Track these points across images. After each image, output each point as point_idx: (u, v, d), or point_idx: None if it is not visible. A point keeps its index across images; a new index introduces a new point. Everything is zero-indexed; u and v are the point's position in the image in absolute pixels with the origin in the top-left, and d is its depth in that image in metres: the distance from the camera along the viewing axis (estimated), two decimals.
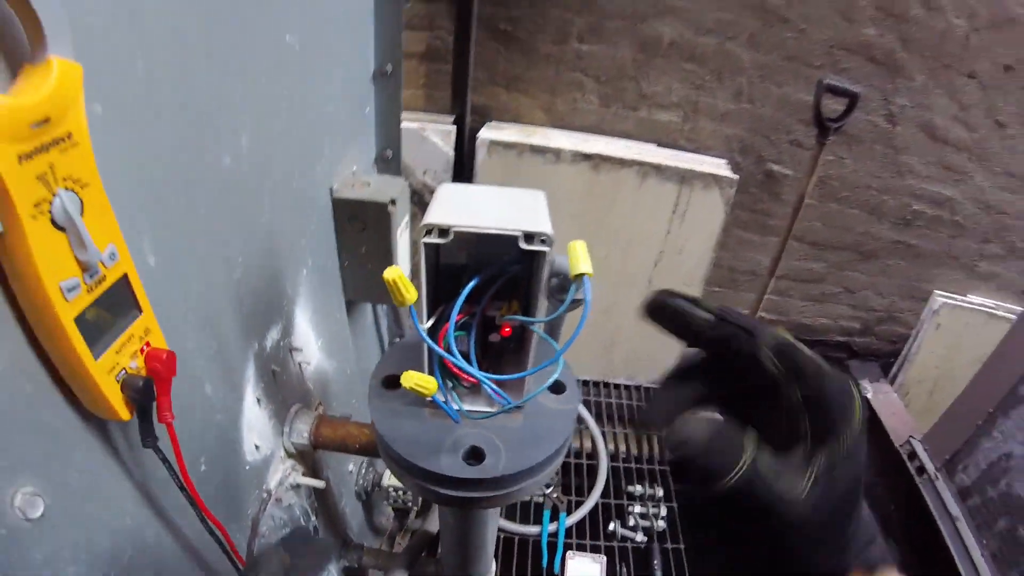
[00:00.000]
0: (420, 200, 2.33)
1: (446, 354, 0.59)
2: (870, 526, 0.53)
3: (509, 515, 2.12)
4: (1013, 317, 2.48)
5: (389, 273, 0.52)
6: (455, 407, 0.65)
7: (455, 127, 2.36)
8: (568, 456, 2.32)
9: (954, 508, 2.44)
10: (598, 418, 2.58)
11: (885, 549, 0.54)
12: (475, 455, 0.64)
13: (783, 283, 3.00)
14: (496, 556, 1.87)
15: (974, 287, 3.10)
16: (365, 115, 1.37)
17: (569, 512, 2.14)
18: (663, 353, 2.63)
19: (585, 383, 2.69)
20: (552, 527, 2.08)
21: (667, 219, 2.41)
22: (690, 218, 2.41)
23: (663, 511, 2.20)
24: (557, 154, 2.28)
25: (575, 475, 2.32)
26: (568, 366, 0.76)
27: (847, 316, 3.18)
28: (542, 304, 0.65)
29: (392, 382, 0.69)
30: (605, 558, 2.05)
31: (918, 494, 2.58)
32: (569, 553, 2.03)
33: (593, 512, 2.19)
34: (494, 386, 0.61)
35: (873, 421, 3.00)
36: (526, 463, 0.63)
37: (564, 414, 0.72)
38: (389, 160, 1.53)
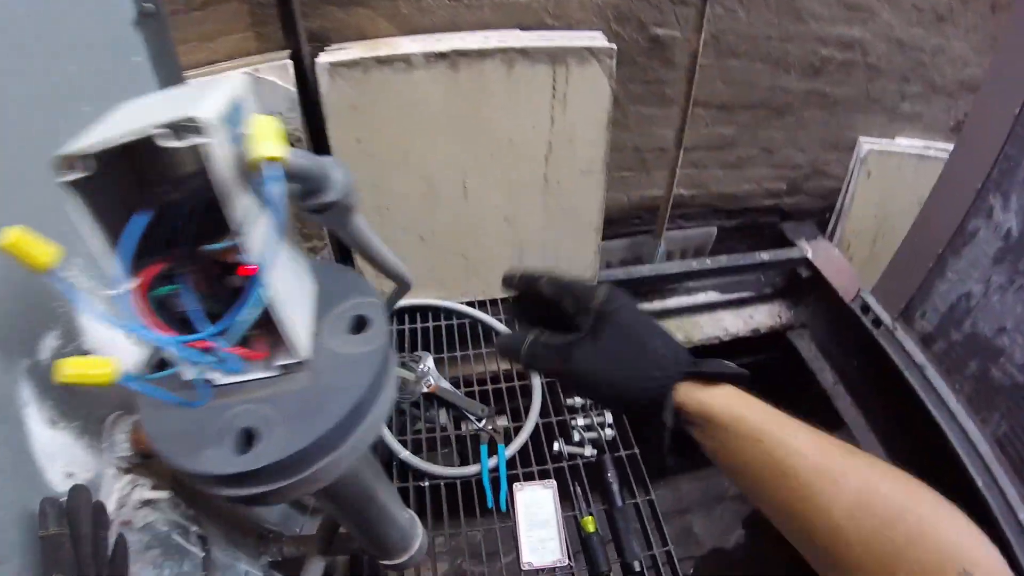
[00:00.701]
0: None
1: (121, 324, 0.49)
2: (681, 351, 0.71)
3: (447, 461, 1.96)
4: (945, 155, 2.35)
5: (5, 238, 0.42)
6: (205, 381, 0.56)
7: (291, 60, 2.06)
8: (498, 381, 2.13)
9: (919, 356, 2.36)
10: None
11: (723, 363, 0.71)
12: (247, 439, 0.54)
13: (695, 154, 2.81)
14: (436, 503, 1.79)
15: (900, 129, 3.00)
16: (134, 64, 1.19)
17: (508, 441, 1.96)
18: (574, 252, 2.39)
19: (504, 300, 2.47)
20: (492, 462, 1.90)
21: (547, 107, 2.15)
22: (573, 101, 2.16)
23: (608, 418, 2.00)
24: (407, 60, 2.00)
25: (508, 399, 2.10)
26: (370, 291, 0.73)
27: (770, 177, 3.04)
28: (251, 219, 0.52)
29: (164, 364, 0.60)
30: (555, 482, 1.87)
31: (878, 347, 2.50)
32: (516, 485, 1.84)
33: (535, 435, 1.99)
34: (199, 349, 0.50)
35: (818, 281, 2.90)
36: (310, 436, 0.53)
37: (365, 359, 0.64)
38: None
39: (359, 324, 0.67)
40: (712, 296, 3.05)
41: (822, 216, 3.26)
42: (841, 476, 0.57)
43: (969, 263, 2.14)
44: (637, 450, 1.96)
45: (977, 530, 0.55)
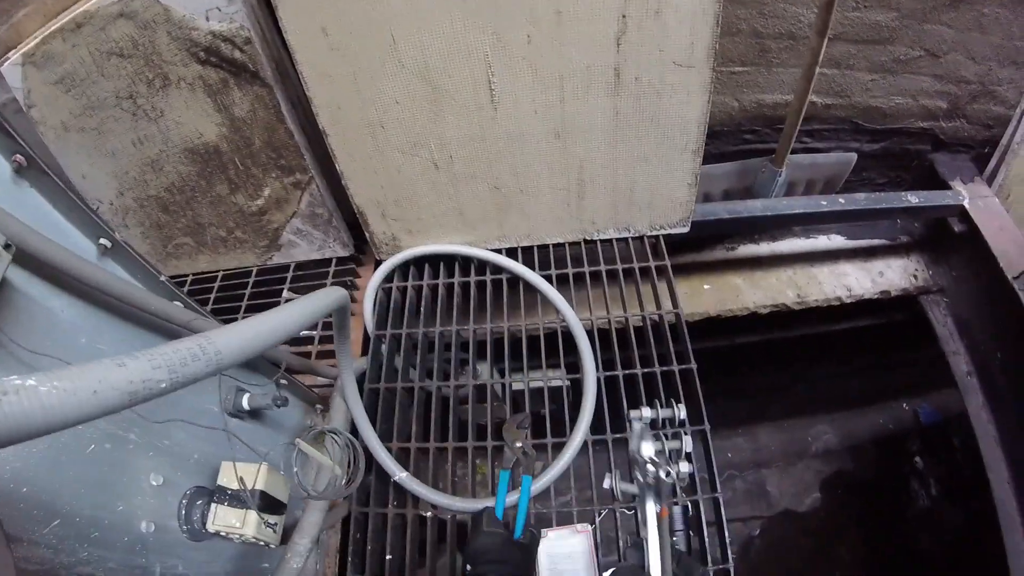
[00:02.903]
0: (220, 58, 1.53)
1: None
2: None
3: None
4: None
5: None
6: None
7: None
8: (537, 357, 1.57)
9: None
10: (578, 295, 1.72)
11: None
12: None
13: (838, 47, 2.04)
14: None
15: None
16: None
17: (539, 467, 1.42)
18: (658, 183, 1.68)
19: (557, 247, 1.81)
20: (512, 498, 1.34)
21: None
22: None
23: (687, 444, 1.36)
24: None
25: (550, 399, 1.55)
26: None
27: (931, 92, 2.26)
28: None
29: None
30: (593, 527, 1.37)
31: None
32: (544, 532, 1.35)
33: (580, 456, 1.43)
34: None
35: (974, 240, 2.21)
36: None
37: None
38: None
39: None
40: (835, 241, 2.34)
41: (981, 151, 2.47)
42: None
43: None
44: (719, 493, 1.37)
45: None
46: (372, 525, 1.42)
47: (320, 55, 1.39)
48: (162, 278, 1.15)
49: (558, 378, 1.57)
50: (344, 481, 1.22)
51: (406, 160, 1.58)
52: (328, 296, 1.03)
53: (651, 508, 1.21)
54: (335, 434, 1.22)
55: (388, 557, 1.39)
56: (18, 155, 0.96)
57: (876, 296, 2.28)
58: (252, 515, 1.09)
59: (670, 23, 1.41)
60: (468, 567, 1.12)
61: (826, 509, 3.40)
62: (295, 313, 0.89)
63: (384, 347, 1.65)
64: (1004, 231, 2.15)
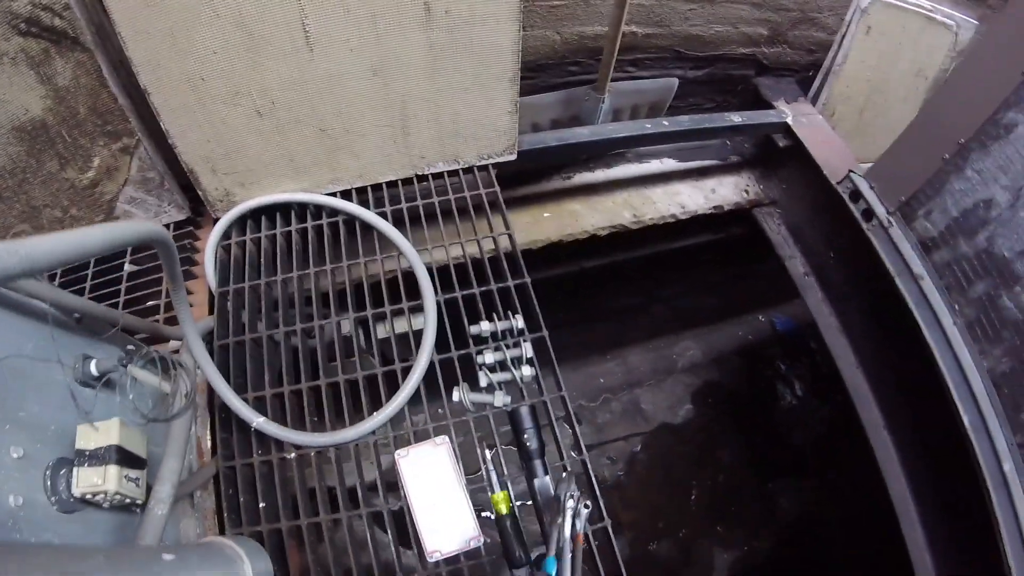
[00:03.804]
0: (40, 28, 1.46)
1: None
2: None
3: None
4: (952, 23, 2.01)
5: None
6: None
7: None
8: (380, 300, 1.62)
9: (916, 264, 1.91)
10: (415, 231, 1.79)
11: None
12: None
13: None
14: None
15: None
16: None
17: (394, 388, 1.49)
18: (480, 112, 1.78)
19: (391, 186, 1.87)
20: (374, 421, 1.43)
21: None
22: None
23: (528, 349, 1.46)
24: None
25: (393, 320, 1.63)
26: None
27: (750, 19, 2.44)
28: None
29: None
30: (448, 437, 1.44)
31: (866, 243, 2.04)
32: (398, 453, 1.42)
33: (429, 376, 1.51)
34: None
35: (799, 153, 2.40)
36: None
37: None
38: None
39: None
40: (668, 164, 2.51)
41: (805, 74, 2.69)
42: None
43: (998, 163, 1.68)
44: (565, 392, 1.46)
45: None
46: (241, 477, 1.44)
47: (136, 12, 1.37)
48: None
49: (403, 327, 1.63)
50: (183, 398, 1.22)
51: (229, 111, 1.58)
52: (141, 225, 1.04)
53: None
54: (160, 358, 1.21)
55: (262, 505, 1.42)
56: None
57: (710, 211, 2.47)
58: (112, 469, 1.10)
59: None
60: None
61: (700, 419, 3.69)
62: (99, 232, 0.91)
63: (229, 303, 1.65)
64: (826, 143, 2.35)
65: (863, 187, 2.06)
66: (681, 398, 3.72)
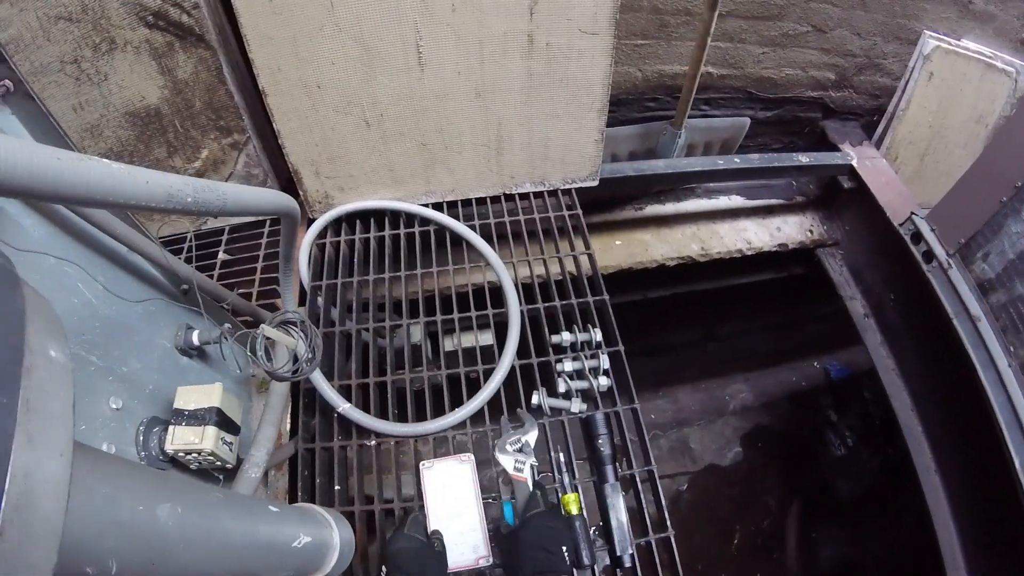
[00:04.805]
0: (167, 22, 1.62)
1: None
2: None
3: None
4: (1012, 70, 2.05)
5: None
6: None
7: None
8: (467, 306, 1.74)
9: (973, 305, 1.96)
10: (501, 244, 1.92)
11: None
12: None
13: (731, 23, 2.28)
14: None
15: (969, 29, 2.50)
16: None
17: (474, 389, 1.59)
18: (569, 139, 1.91)
19: (481, 202, 2.02)
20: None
21: None
22: None
23: (604, 361, 1.55)
24: None
25: (478, 327, 1.73)
26: None
27: (819, 64, 2.54)
28: None
29: None
30: (473, 456, 1.48)
31: (925, 285, 2.10)
32: (423, 464, 1.46)
33: (510, 381, 1.61)
34: None
35: (862, 195, 2.48)
36: None
37: None
38: None
39: None
40: (736, 201, 2.60)
41: (870, 118, 2.78)
42: None
43: None
44: (637, 404, 1.57)
45: None
46: (319, 459, 1.54)
47: (263, 19, 1.53)
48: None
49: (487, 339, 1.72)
50: (307, 360, 1.32)
51: (340, 119, 1.74)
52: (283, 197, 1.17)
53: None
54: (293, 323, 1.31)
55: (337, 488, 1.51)
56: (6, 80, 0.98)
57: (775, 249, 2.55)
58: (211, 429, 1.20)
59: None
60: (384, 568, 1.22)
61: (748, 462, 3.70)
62: (255, 193, 1.04)
63: (320, 298, 1.79)
64: (889, 186, 2.43)
65: (924, 229, 2.13)
66: (730, 440, 3.76)
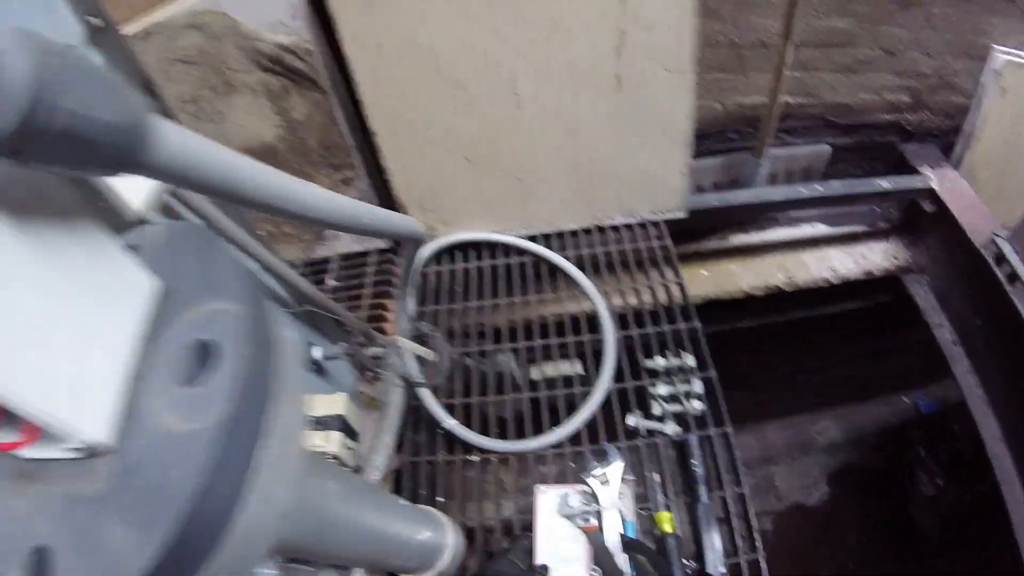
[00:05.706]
0: (283, 67, 1.78)
1: None
2: None
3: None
4: None
5: None
6: None
7: None
8: (563, 332, 1.85)
9: None
10: (595, 272, 2.03)
11: None
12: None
13: (805, 53, 2.35)
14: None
15: None
16: None
17: (570, 410, 1.66)
18: (655, 172, 2.02)
19: (573, 235, 2.15)
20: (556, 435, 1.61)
21: None
22: None
23: (697, 386, 1.62)
24: None
25: (575, 352, 1.82)
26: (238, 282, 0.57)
27: (892, 87, 2.58)
28: None
29: None
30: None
31: (1010, 307, 2.09)
32: (538, 488, 1.47)
33: (605, 404, 1.69)
34: None
35: (944, 218, 2.47)
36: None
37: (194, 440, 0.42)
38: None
39: (203, 357, 0.44)
40: (819, 229, 2.63)
41: (947, 139, 2.76)
42: None
43: None
44: (730, 428, 1.63)
45: None
46: (423, 472, 1.64)
47: (374, 66, 1.71)
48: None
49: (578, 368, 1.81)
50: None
51: (443, 157, 1.90)
52: (410, 221, 1.31)
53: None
54: (429, 334, 1.45)
55: (440, 500, 1.61)
56: (96, 16, 0.94)
57: (860, 277, 2.56)
58: (336, 434, 1.33)
59: (659, 36, 1.74)
60: None
61: (834, 501, 3.64)
62: (396, 217, 1.18)
63: (425, 323, 1.92)
64: (971, 208, 2.42)
65: (1007, 249, 2.13)
66: (817, 479, 3.71)
